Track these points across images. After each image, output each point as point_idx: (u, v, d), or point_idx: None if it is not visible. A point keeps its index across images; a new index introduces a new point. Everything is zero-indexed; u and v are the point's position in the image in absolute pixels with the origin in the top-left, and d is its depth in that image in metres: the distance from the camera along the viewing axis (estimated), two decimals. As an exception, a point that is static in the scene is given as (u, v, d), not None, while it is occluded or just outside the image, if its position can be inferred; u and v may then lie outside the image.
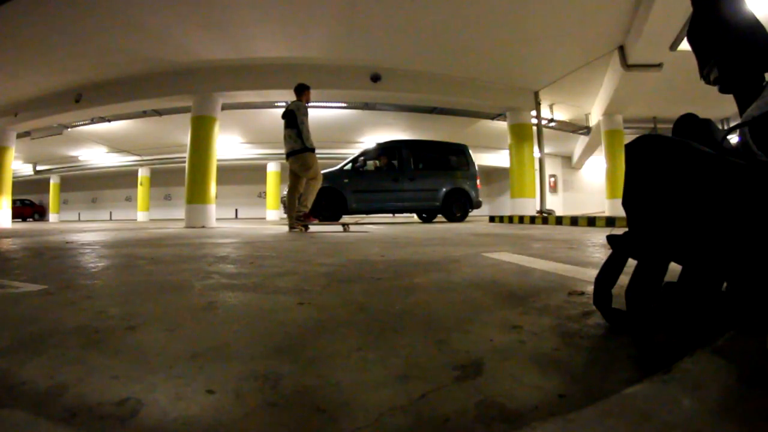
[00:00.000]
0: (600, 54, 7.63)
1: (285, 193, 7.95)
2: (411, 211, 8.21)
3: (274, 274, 1.47)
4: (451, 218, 7.87)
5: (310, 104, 4.99)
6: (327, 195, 7.16)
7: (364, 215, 8.14)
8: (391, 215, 11.83)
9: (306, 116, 4.76)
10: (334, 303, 1.03)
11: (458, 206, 7.90)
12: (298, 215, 4.81)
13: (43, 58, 7.31)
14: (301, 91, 4.94)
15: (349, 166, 7.64)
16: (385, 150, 7.91)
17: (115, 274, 1.58)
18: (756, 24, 0.80)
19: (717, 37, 0.84)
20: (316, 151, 4.92)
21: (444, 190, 7.75)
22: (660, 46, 6.96)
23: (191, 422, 0.44)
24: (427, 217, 8.42)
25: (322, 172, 6.48)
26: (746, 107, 0.74)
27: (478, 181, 8.15)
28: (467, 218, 8.49)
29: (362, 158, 7.69)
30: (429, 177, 7.77)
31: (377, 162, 7.89)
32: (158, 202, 20.04)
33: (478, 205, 8.15)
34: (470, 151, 8.32)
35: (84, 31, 6.50)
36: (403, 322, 0.84)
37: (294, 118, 4.69)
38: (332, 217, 7.32)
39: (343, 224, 5.26)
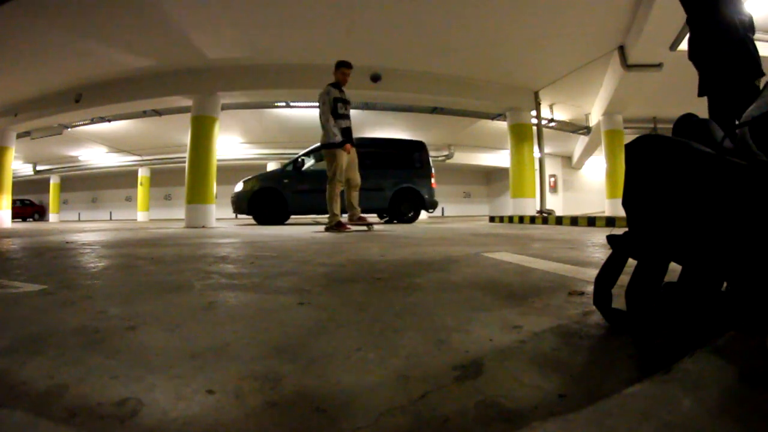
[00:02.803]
0: (600, 54, 7.63)
1: (235, 191, 7.96)
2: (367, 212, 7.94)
3: (274, 274, 1.47)
4: (400, 219, 7.65)
5: (325, 100, 4.34)
6: (267, 196, 7.30)
7: (313, 215, 7.92)
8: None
9: (325, 104, 4.29)
10: (334, 303, 1.03)
11: (408, 206, 7.69)
12: (351, 217, 4.52)
13: (43, 58, 7.30)
14: (335, 69, 4.45)
15: (291, 167, 7.57)
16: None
17: (115, 274, 1.58)
18: (741, 37, 0.81)
19: (706, 51, 0.85)
20: None
21: (392, 189, 7.56)
22: (660, 46, 6.96)
23: (191, 422, 0.44)
24: (389, 218, 7.90)
25: (263, 172, 6.60)
26: (720, 111, 0.75)
27: (433, 180, 7.86)
28: (430, 218, 8.34)
29: (303, 158, 7.55)
30: (375, 176, 7.38)
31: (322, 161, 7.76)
32: (158, 202, 20.04)
33: (432, 205, 7.89)
34: (428, 149, 8.09)
35: (84, 31, 6.50)
36: (403, 322, 0.84)
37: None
38: (273, 219, 7.36)
39: (368, 224, 4.89)
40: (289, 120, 11.29)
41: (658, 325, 0.67)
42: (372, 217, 7.04)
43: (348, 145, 4.39)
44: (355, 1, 6.07)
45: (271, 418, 0.46)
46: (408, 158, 8.00)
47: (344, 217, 4.61)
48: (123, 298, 1.11)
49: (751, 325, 0.55)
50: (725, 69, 0.82)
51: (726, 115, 0.79)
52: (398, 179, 7.65)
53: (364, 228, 3.71)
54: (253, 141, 14.51)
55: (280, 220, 7.52)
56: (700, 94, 0.91)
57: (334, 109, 4.31)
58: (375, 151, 7.78)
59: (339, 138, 4.28)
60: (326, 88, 4.36)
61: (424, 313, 0.91)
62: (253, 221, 7.67)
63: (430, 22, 6.62)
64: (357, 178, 4.64)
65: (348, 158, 4.46)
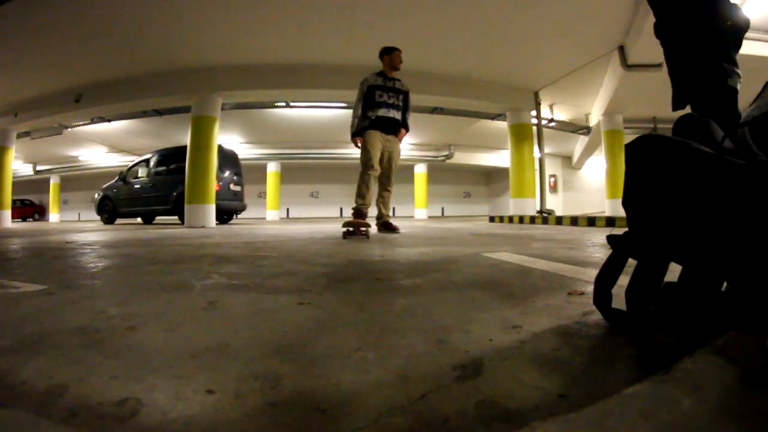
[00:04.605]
0: (600, 54, 7.62)
1: (96, 196, 9.71)
2: (153, 215, 9.23)
3: (274, 274, 1.47)
4: (183, 221, 8.30)
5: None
6: (107, 201, 9.58)
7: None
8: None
9: (358, 93, 4.10)
10: (334, 303, 1.03)
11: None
12: (377, 221, 4.11)
13: (43, 58, 7.29)
14: (380, 57, 4.24)
15: (119, 178, 9.46)
16: (145, 160, 9.30)
17: (115, 274, 1.58)
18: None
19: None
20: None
21: (175, 193, 8.33)
22: (660, 46, 6.95)
23: (191, 422, 0.44)
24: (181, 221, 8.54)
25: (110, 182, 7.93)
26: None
27: (217, 182, 8.18)
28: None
29: (126, 170, 9.40)
30: (164, 182, 8.61)
31: (144, 171, 9.15)
32: (158, 202, 20.03)
33: (216, 207, 8.11)
34: (219, 149, 8.45)
35: (84, 31, 6.49)
36: (402, 322, 0.84)
37: None
38: (110, 221, 9.51)
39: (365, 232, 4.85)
40: (289, 120, 11.29)
41: (658, 325, 0.67)
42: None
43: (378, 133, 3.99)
44: (355, 1, 6.06)
45: (271, 418, 0.46)
46: None
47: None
48: (123, 298, 1.11)
49: (751, 325, 0.55)
50: (700, 74, 0.83)
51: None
52: (180, 183, 8.23)
53: (364, 234, 3.41)
54: (253, 141, 14.50)
55: (113, 221, 9.57)
56: (675, 108, 0.91)
57: (371, 96, 4.07)
58: (171, 159, 8.85)
59: (355, 129, 4.07)
60: (364, 77, 4.19)
61: (424, 313, 0.91)
62: (240, 221, 7.83)
63: (430, 23, 6.61)
64: (388, 175, 4.21)
65: (382, 145, 4.07)
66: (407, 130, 4.33)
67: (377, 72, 4.24)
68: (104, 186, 9.87)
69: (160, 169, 8.90)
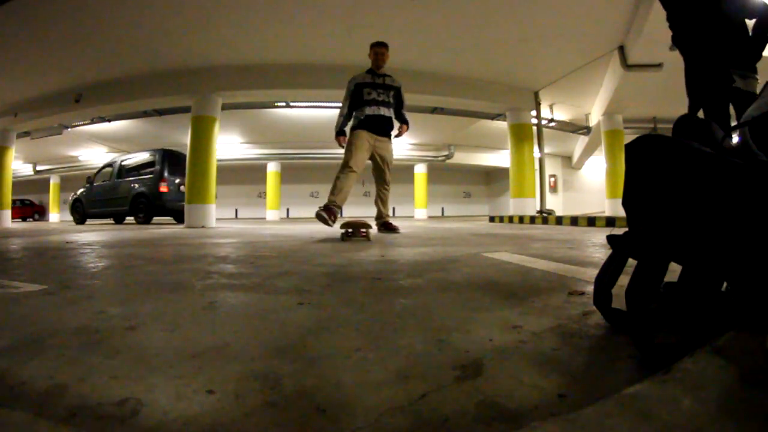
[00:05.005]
0: (600, 54, 7.62)
1: (72, 197, 10.32)
2: (116, 215, 9.84)
3: (274, 274, 1.47)
4: (138, 220, 8.93)
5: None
6: (78, 204, 10.27)
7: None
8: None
9: (348, 91, 4.00)
10: (334, 303, 1.03)
11: (141, 209, 8.85)
12: (377, 221, 4.03)
13: (43, 58, 7.29)
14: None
15: (88, 183, 10.15)
16: (108, 165, 10.07)
17: (115, 274, 1.58)
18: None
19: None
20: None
21: (132, 194, 9.02)
22: (660, 46, 6.94)
23: (191, 422, 0.44)
24: (143, 219, 9.01)
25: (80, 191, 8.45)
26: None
27: (163, 184, 8.67)
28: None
29: (94, 174, 10.14)
30: (124, 184, 9.33)
31: (108, 174, 9.89)
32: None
33: (162, 204, 8.60)
34: (168, 154, 9.04)
35: (84, 31, 6.49)
36: (403, 322, 0.84)
37: None
38: (81, 221, 10.17)
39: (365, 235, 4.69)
40: (289, 120, 11.28)
41: (658, 325, 0.67)
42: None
43: (364, 132, 3.87)
44: (355, 1, 6.06)
45: (271, 418, 0.46)
46: (148, 166, 9.20)
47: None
48: (123, 298, 1.11)
49: (751, 325, 0.55)
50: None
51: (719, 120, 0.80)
52: (135, 186, 9.07)
53: (364, 235, 3.23)
54: (253, 141, 14.49)
55: (83, 222, 10.21)
56: (692, 112, 0.93)
57: (359, 95, 3.97)
58: (131, 164, 9.62)
59: (338, 128, 4.01)
60: (353, 75, 4.09)
61: (424, 313, 0.91)
62: (240, 221, 7.78)
63: (430, 23, 6.61)
64: (382, 174, 4.08)
65: (369, 146, 3.93)
66: (407, 126, 4.28)
67: (367, 70, 4.15)
68: (79, 190, 10.65)
69: (121, 172, 9.63)
